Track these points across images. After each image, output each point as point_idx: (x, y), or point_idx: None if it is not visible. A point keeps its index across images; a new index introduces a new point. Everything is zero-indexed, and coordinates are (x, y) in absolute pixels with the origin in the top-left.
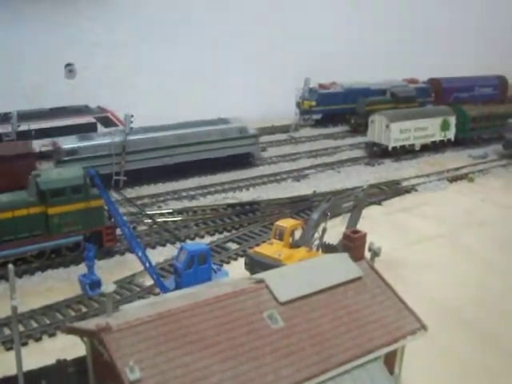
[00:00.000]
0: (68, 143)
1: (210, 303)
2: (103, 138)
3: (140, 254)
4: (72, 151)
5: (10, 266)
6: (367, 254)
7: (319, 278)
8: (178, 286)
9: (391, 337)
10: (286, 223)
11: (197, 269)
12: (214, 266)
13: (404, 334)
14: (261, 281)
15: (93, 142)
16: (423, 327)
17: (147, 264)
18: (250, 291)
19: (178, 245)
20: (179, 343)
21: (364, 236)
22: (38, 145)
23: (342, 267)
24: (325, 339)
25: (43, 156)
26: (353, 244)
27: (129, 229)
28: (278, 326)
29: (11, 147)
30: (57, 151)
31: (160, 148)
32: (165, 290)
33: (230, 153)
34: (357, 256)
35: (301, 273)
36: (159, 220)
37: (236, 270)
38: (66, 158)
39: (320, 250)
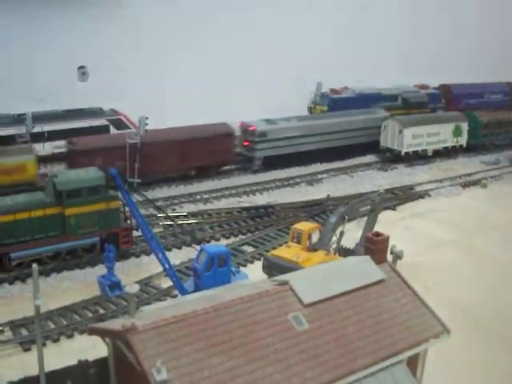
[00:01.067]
0: (260, 126)
1: (234, 304)
2: (286, 123)
3: (160, 255)
4: (263, 133)
5: (34, 265)
6: (389, 257)
7: (342, 281)
8: (197, 288)
9: (414, 340)
10: (303, 226)
11: (216, 271)
12: (233, 269)
13: (427, 337)
14: (284, 283)
15: (279, 126)
16: (446, 331)
17: (167, 265)
18: (274, 293)
19: (197, 247)
20: (205, 344)
21: (387, 239)
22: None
23: (364, 270)
24: (349, 341)
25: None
26: (375, 247)
27: (149, 230)
28: (303, 328)
29: (215, 129)
30: (250, 133)
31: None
32: (184, 291)
33: (376, 139)
34: (379, 259)
35: (324, 275)
36: (176, 222)
37: (253, 272)
38: (258, 139)
39: (337, 253)
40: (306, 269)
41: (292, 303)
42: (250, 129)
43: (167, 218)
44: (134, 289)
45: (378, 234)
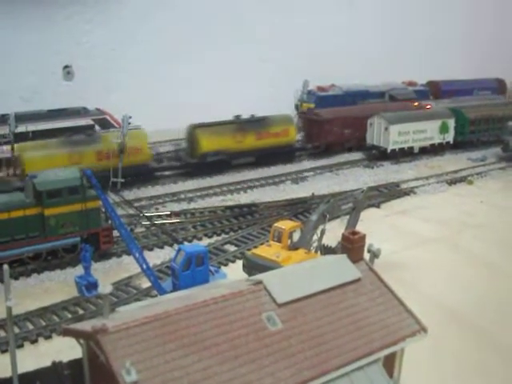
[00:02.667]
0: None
1: (207, 304)
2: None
3: (137, 255)
4: None
5: (5, 266)
6: (366, 256)
7: (318, 280)
8: (175, 288)
9: (390, 339)
10: (284, 225)
11: (194, 270)
12: (212, 268)
13: (403, 336)
14: (259, 282)
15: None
16: (423, 329)
17: (144, 265)
18: (248, 293)
19: (177, 246)
20: (177, 345)
21: (363, 237)
22: None
23: (340, 268)
24: (324, 341)
25: None
26: (352, 245)
27: (126, 230)
28: (276, 328)
29: (375, 107)
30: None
31: None
32: (162, 291)
33: None
34: (355, 257)
35: (299, 274)
36: (157, 222)
37: (234, 271)
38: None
39: (319, 252)
40: (281, 268)
41: (266, 303)
42: (427, 107)
43: (146, 218)
44: (107, 289)
45: (354, 233)
